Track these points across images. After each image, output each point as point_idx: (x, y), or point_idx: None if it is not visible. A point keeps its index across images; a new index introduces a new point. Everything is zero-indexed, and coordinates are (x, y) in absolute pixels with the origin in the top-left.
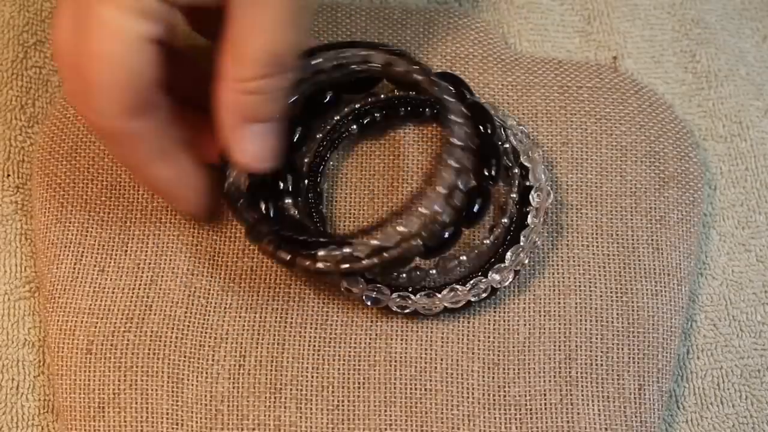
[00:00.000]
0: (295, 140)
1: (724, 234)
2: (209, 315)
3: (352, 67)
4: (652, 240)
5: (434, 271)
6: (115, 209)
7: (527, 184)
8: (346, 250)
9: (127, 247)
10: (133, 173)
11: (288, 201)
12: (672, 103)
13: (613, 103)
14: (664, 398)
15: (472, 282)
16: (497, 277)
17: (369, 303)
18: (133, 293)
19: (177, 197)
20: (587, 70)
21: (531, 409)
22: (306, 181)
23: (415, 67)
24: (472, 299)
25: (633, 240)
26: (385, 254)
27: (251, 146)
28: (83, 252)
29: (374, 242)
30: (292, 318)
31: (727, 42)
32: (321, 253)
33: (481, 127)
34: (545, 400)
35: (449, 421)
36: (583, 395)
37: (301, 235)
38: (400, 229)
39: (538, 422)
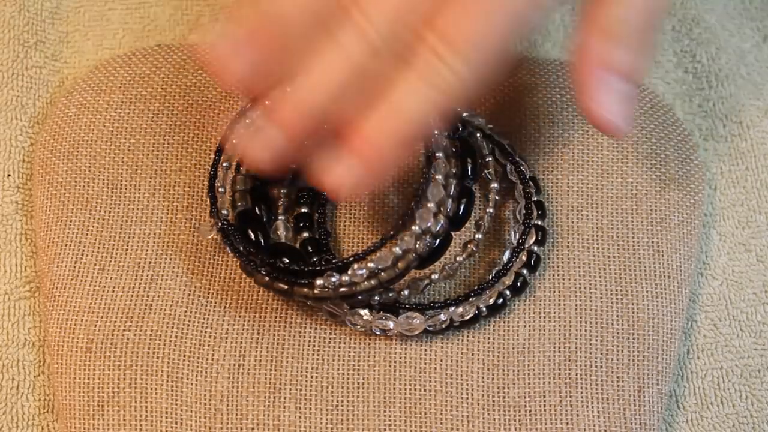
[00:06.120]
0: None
1: (724, 234)
2: (209, 314)
3: None
4: (652, 242)
5: (406, 291)
6: (116, 208)
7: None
8: (345, 278)
9: (127, 245)
10: None
11: (280, 231)
12: (672, 103)
13: None
14: (664, 400)
15: (430, 312)
16: (459, 310)
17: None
18: (133, 292)
19: None
20: None
21: (530, 411)
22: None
23: None
24: (428, 328)
25: (633, 242)
26: (382, 274)
27: (607, 98)
28: (83, 251)
29: (371, 265)
30: (291, 318)
31: (727, 42)
32: (318, 281)
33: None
34: (545, 401)
35: (448, 422)
36: (582, 397)
37: (294, 263)
38: (395, 249)
39: (537, 424)
